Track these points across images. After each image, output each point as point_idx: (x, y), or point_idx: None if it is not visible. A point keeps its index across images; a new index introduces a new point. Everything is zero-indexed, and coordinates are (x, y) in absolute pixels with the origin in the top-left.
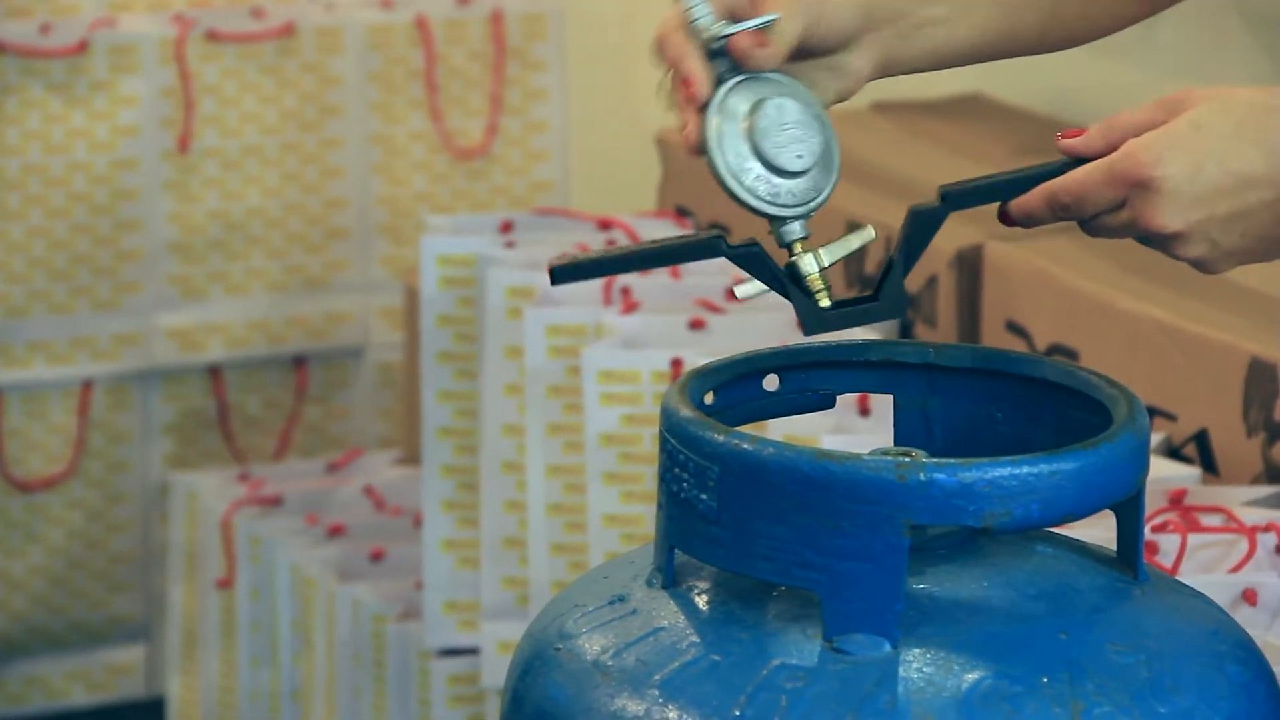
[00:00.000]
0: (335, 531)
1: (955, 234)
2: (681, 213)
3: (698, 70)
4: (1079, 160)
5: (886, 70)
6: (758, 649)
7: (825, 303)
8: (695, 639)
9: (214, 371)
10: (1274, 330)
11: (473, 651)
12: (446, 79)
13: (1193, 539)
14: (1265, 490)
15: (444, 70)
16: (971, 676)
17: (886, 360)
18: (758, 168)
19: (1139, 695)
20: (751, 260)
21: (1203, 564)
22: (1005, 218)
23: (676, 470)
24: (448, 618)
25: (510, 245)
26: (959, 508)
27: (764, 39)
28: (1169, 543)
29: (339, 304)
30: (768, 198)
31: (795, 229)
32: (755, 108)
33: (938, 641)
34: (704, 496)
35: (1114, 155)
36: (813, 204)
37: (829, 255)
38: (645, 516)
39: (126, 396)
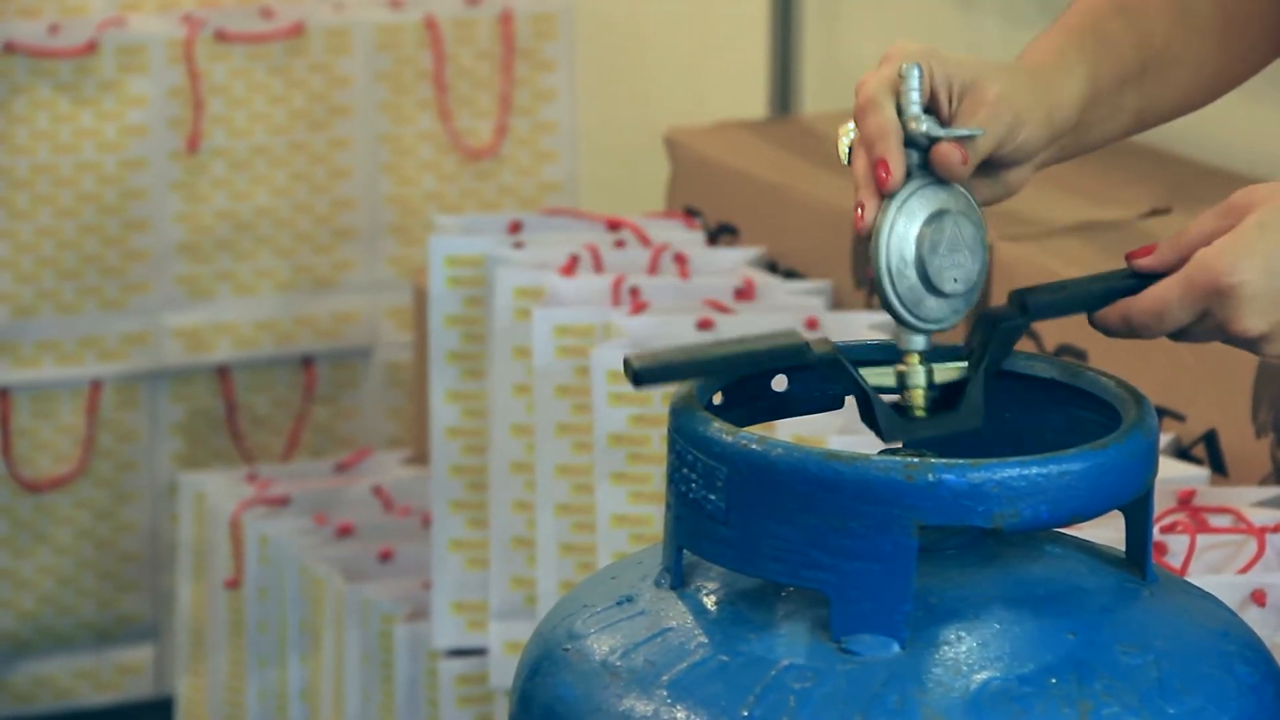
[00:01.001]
0: (344, 531)
1: None
2: (690, 213)
3: (898, 160)
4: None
5: (1043, 169)
6: (766, 649)
7: (918, 414)
8: (704, 639)
9: (222, 371)
10: None
11: (481, 652)
12: (455, 79)
13: (1201, 540)
14: (1274, 491)
15: (453, 70)
16: (980, 677)
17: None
18: (914, 277)
19: (1148, 696)
20: (833, 367)
21: (1211, 565)
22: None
23: (685, 471)
24: (456, 618)
25: (519, 245)
26: (968, 508)
27: (966, 154)
28: (1178, 543)
29: (347, 304)
30: (911, 307)
31: (919, 341)
32: (935, 219)
33: (946, 642)
34: (712, 497)
35: (1187, 268)
36: (946, 324)
37: (940, 375)
38: (654, 517)
39: (135, 396)
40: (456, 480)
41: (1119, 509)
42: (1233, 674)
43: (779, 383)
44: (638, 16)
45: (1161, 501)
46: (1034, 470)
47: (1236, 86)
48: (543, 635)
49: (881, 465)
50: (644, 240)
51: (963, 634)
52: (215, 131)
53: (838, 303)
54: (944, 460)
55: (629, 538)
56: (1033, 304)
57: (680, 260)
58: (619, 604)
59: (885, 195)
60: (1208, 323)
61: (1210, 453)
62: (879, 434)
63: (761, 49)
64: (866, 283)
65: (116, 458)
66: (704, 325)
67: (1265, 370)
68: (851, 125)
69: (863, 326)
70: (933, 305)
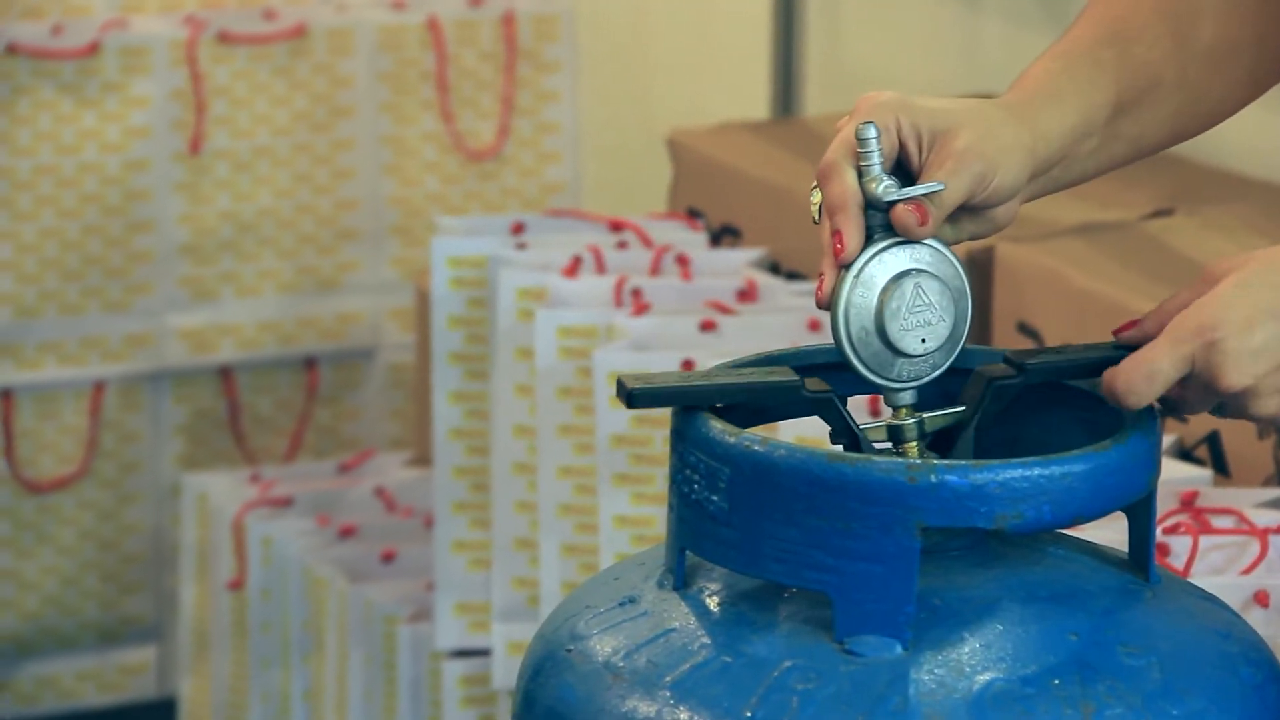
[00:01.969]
0: (346, 532)
1: None
2: (693, 214)
3: (853, 233)
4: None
5: (1028, 202)
6: (769, 650)
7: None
8: (706, 640)
9: (225, 372)
10: None
11: (484, 653)
12: (458, 80)
13: (1204, 541)
14: (1277, 492)
15: (455, 71)
16: (983, 678)
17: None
18: (877, 344)
19: (1150, 697)
20: (826, 408)
21: (1214, 566)
22: None
23: (688, 472)
24: (459, 619)
25: (522, 247)
26: (970, 509)
27: (925, 214)
28: (1180, 544)
29: (350, 305)
30: (880, 371)
31: (904, 397)
32: (894, 283)
33: (949, 643)
34: (715, 498)
35: (1171, 326)
36: (925, 379)
37: (932, 424)
38: (656, 518)
39: (138, 397)
40: (459, 481)
41: (1122, 510)
42: (1236, 675)
43: None
44: (640, 18)
45: (1164, 503)
46: (1036, 471)
47: (1235, 113)
48: (545, 636)
49: (884, 466)
50: (646, 241)
51: (965, 635)
52: (218, 133)
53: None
54: (946, 461)
55: (631, 539)
56: (1030, 366)
57: (682, 261)
58: (621, 605)
59: (841, 265)
60: (1196, 384)
61: (1213, 454)
62: None
63: (763, 50)
64: None
65: (119, 459)
66: (706, 326)
67: None
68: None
69: None
70: (905, 366)
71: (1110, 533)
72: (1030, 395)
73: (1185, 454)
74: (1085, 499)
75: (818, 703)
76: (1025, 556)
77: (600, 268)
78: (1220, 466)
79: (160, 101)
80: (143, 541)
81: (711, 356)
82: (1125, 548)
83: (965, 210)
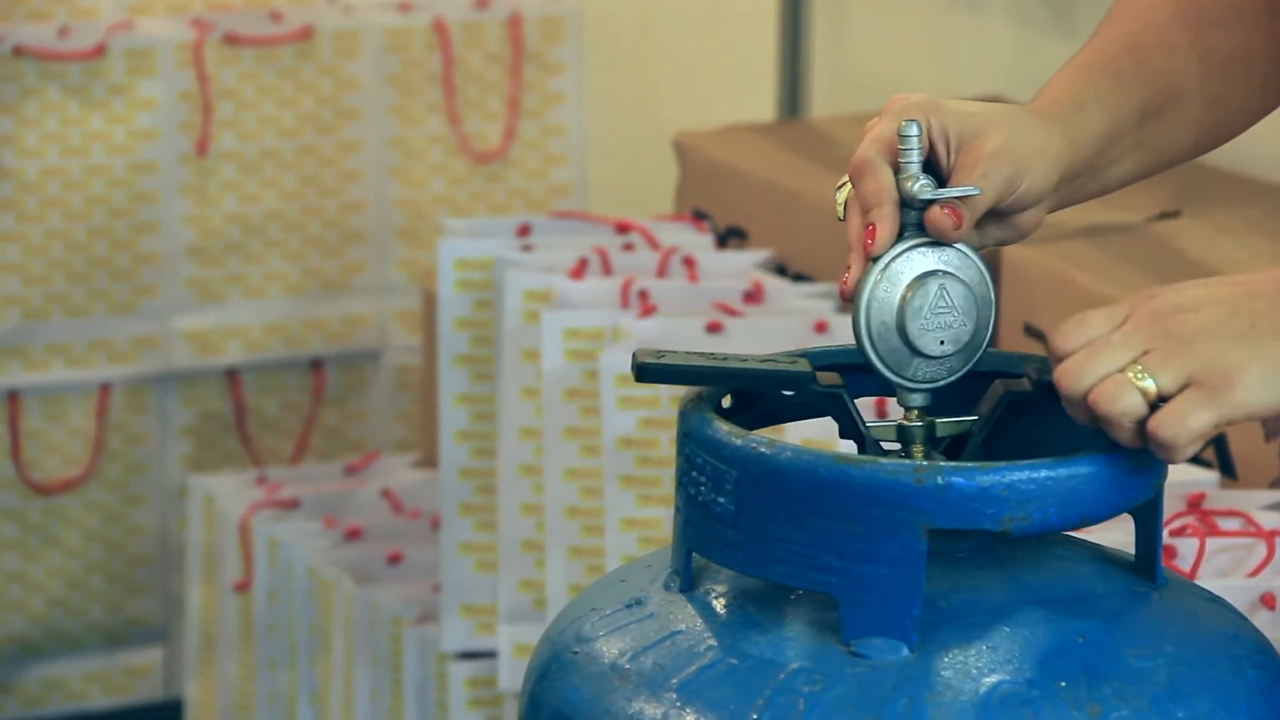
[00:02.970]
0: (353, 534)
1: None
2: (699, 216)
3: (888, 226)
4: None
5: (1054, 210)
6: (775, 653)
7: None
8: (713, 642)
9: (232, 374)
10: None
11: (490, 655)
12: (464, 82)
13: (1211, 543)
14: None
15: (462, 73)
16: (989, 680)
17: None
18: (896, 340)
19: (1157, 699)
20: (834, 403)
21: (1221, 568)
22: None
23: (694, 474)
24: (465, 621)
25: (528, 248)
26: (977, 511)
27: (960, 217)
28: (1187, 547)
29: (356, 307)
30: (896, 369)
31: (916, 399)
32: (919, 282)
33: (955, 645)
34: (721, 500)
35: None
36: (941, 383)
37: (943, 430)
38: (663, 520)
39: (144, 399)
40: (465, 483)
41: (1128, 512)
42: (1243, 677)
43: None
44: (646, 19)
45: (1171, 505)
46: (1043, 473)
47: (1256, 122)
48: (552, 638)
49: (890, 468)
50: (653, 243)
51: (972, 637)
52: (224, 135)
53: (847, 306)
54: (953, 464)
55: (638, 541)
56: (1048, 381)
57: (689, 263)
58: (628, 607)
59: (870, 258)
60: (1155, 362)
61: (1219, 456)
62: None
63: (770, 52)
64: None
65: (126, 460)
66: (713, 328)
67: None
68: (847, 179)
69: None
70: (921, 367)
71: (1117, 535)
72: (1039, 397)
73: (1192, 456)
74: (1092, 501)
75: (824, 705)
76: (1032, 559)
77: (606, 269)
78: (1227, 469)
79: (167, 103)
80: (149, 543)
81: None
82: (1132, 550)
83: (991, 215)
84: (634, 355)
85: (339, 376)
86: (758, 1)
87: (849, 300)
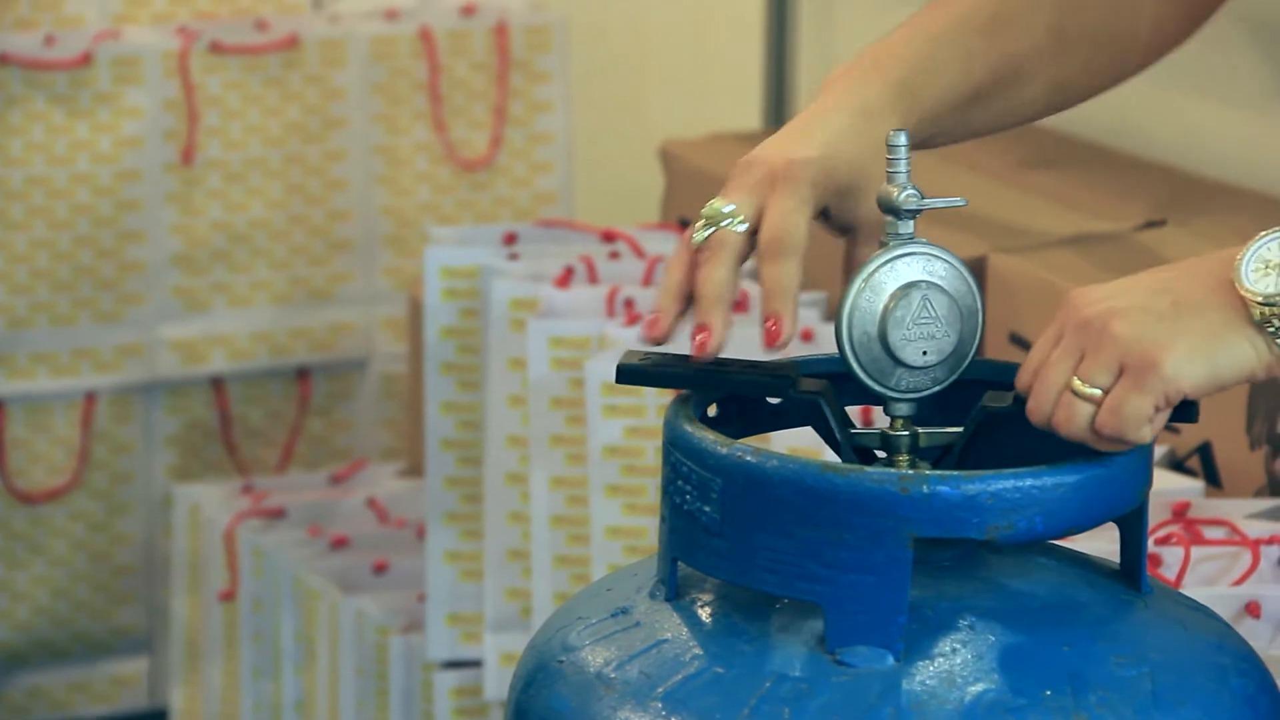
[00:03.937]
0: (338, 543)
1: (958, 245)
2: (685, 225)
3: (719, 335)
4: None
5: None
6: (761, 661)
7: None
8: (698, 651)
9: (217, 383)
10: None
11: (476, 664)
12: (450, 90)
13: (1196, 552)
14: (1268, 503)
15: (448, 82)
16: (975, 689)
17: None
18: (878, 350)
19: (1142, 708)
20: (811, 410)
21: (1206, 577)
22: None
23: (680, 483)
24: (451, 630)
25: (514, 257)
26: (962, 520)
27: (780, 329)
28: (1172, 555)
29: (342, 315)
30: (879, 378)
31: (901, 408)
32: (903, 292)
33: (941, 654)
34: (707, 509)
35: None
36: (924, 393)
37: (927, 439)
38: (648, 529)
39: (129, 408)
40: (451, 492)
41: (1113, 521)
42: (1227, 686)
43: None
44: (632, 28)
45: (1156, 513)
46: (1028, 482)
47: (1090, 99)
48: (537, 647)
49: (876, 477)
50: (639, 252)
51: (957, 646)
52: (210, 143)
53: (833, 314)
54: (938, 472)
55: (623, 550)
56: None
57: None
58: (614, 616)
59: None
60: (1088, 366)
61: (1205, 465)
62: None
63: (756, 60)
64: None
65: (111, 469)
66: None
67: (1259, 383)
68: (721, 207)
69: None
70: (904, 377)
71: (1102, 543)
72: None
73: (1177, 465)
74: (1077, 510)
75: (810, 713)
76: (1017, 567)
77: (593, 278)
78: (1212, 477)
79: (152, 112)
80: (134, 552)
81: None
82: (1117, 558)
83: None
84: (623, 357)
85: (325, 385)
86: (744, 10)
87: (656, 343)
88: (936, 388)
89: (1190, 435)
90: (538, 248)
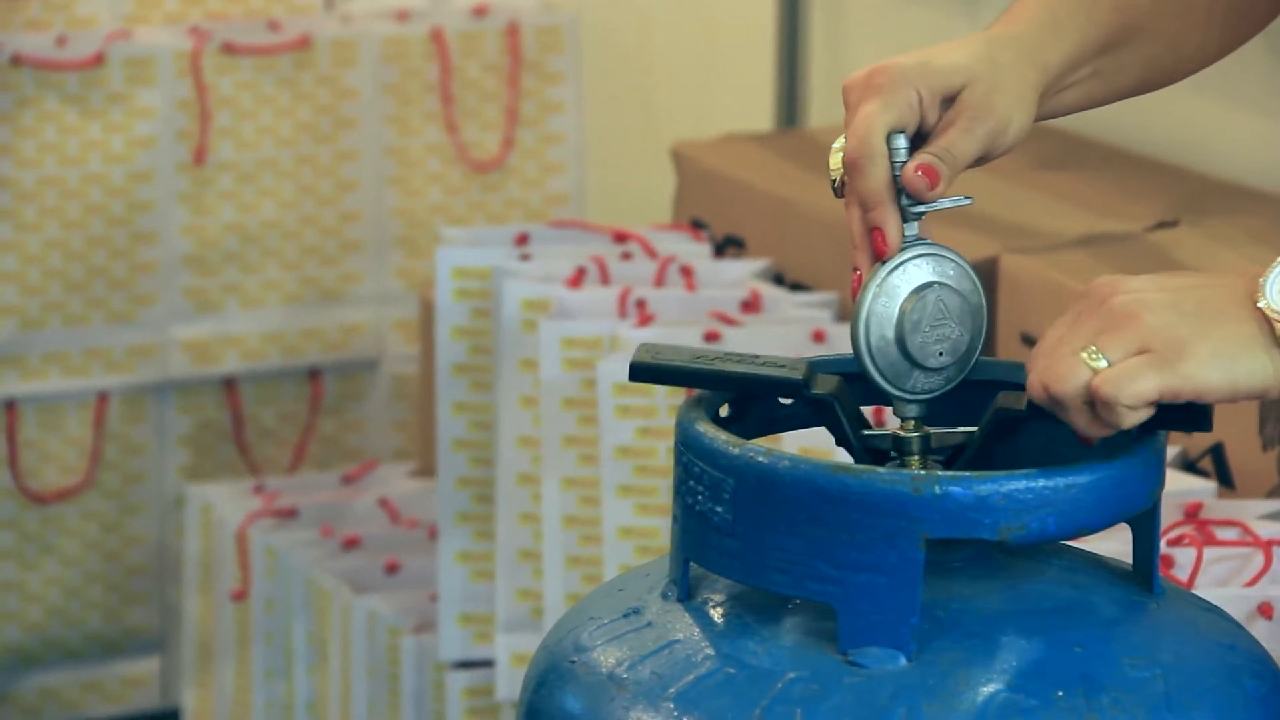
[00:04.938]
0: (350, 544)
1: (970, 246)
2: (697, 225)
3: (894, 230)
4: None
5: None
6: (773, 662)
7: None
8: (710, 652)
9: (229, 383)
10: None
11: (488, 664)
12: (462, 91)
13: (1208, 553)
14: None
15: (459, 82)
16: (987, 690)
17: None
18: (896, 354)
19: (1155, 709)
20: (824, 411)
21: (1218, 578)
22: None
23: (692, 483)
24: (463, 630)
25: (526, 258)
26: (974, 521)
27: (936, 177)
28: (1185, 556)
29: (354, 316)
30: (895, 381)
31: (913, 409)
32: (918, 294)
33: (953, 655)
34: (719, 509)
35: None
36: (937, 393)
37: (939, 440)
38: (660, 529)
39: (142, 408)
40: (463, 492)
41: (1126, 522)
42: (1240, 687)
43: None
44: (644, 29)
45: (1168, 515)
46: (1041, 483)
47: (1196, 72)
48: (549, 647)
49: (888, 478)
50: (651, 252)
51: (969, 647)
52: (222, 144)
53: (845, 314)
54: (950, 473)
55: (635, 550)
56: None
57: (687, 273)
58: (625, 616)
59: (882, 262)
60: (1105, 340)
61: (1217, 466)
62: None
63: (768, 61)
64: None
65: (123, 470)
66: (710, 338)
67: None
68: (842, 144)
69: None
70: (920, 379)
71: (1114, 544)
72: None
73: (1189, 466)
74: (1089, 511)
75: (821, 714)
76: (1029, 568)
77: (604, 279)
78: (1224, 478)
79: (165, 112)
80: (146, 553)
81: None
82: (1129, 559)
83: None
84: (636, 352)
85: (336, 386)
86: (755, 11)
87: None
88: (949, 386)
89: (1203, 436)
90: (549, 248)
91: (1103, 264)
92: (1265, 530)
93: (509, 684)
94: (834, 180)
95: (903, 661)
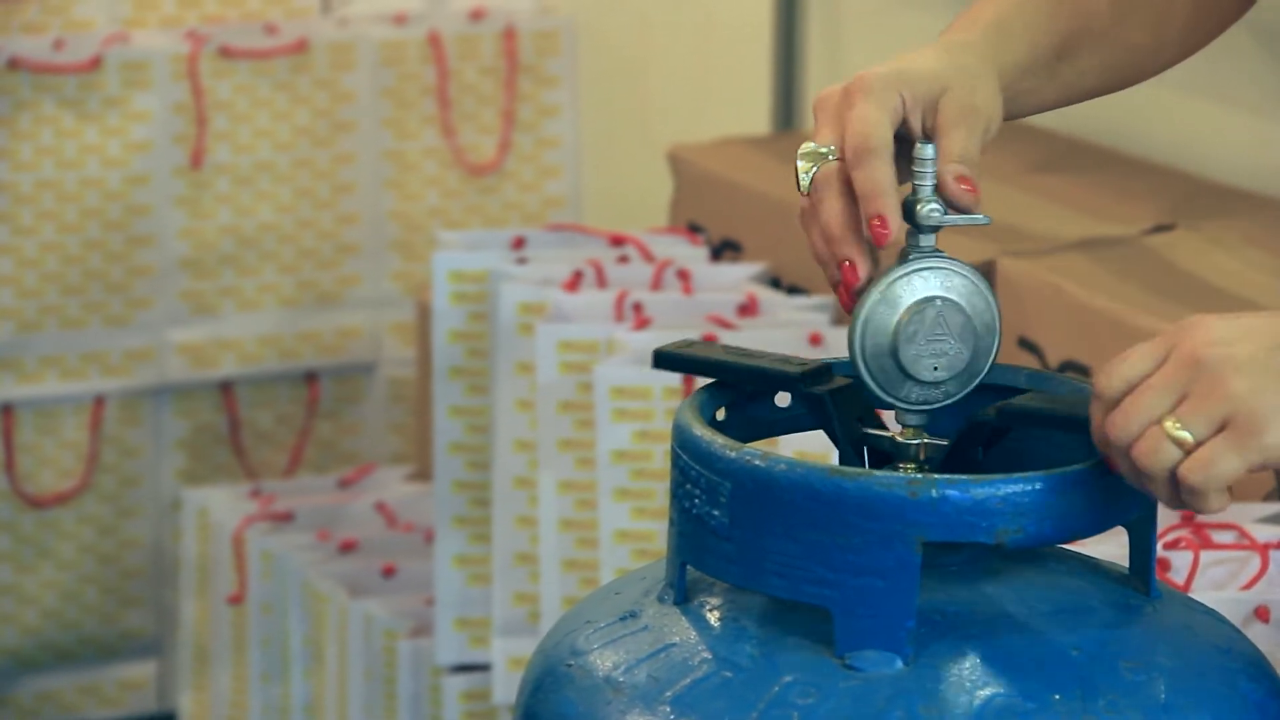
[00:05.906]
0: (347, 547)
1: (968, 250)
2: (693, 229)
3: (897, 216)
4: None
5: None
6: (769, 665)
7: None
8: (707, 655)
9: (226, 387)
10: None
11: (484, 668)
12: (459, 95)
13: (1205, 556)
14: (1278, 507)
15: (456, 86)
16: (984, 693)
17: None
18: (889, 364)
19: (1152, 713)
20: (822, 413)
21: (1215, 581)
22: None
23: (688, 486)
24: (459, 634)
25: (522, 261)
26: (971, 524)
27: (977, 188)
28: (1181, 559)
29: (351, 319)
30: (889, 389)
31: (911, 418)
32: (916, 307)
33: (950, 658)
34: (716, 513)
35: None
36: (934, 406)
37: (930, 450)
38: (657, 533)
39: (138, 412)
40: (459, 496)
41: (1123, 525)
42: (1237, 690)
43: (782, 399)
44: (641, 32)
45: (1165, 518)
46: (1038, 486)
47: (1157, 74)
48: (546, 651)
49: (885, 481)
50: (647, 256)
51: (966, 650)
52: (219, 147)
53: (841, 318)
54: (947, 476)
55: (632, 553)
56: (1007, 411)
57: (683, 276)
58: (622, 620)
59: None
60: (1190, 410)
61: None
62: None
63: (764, 64)
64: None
65: (120, 473)
66: (707, 341)
67: None
68: (816, 147)
69: None
70: (913, 390)
71: (1111, 548)
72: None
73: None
74: (1086, 514)
75: (818, 718)
76: (1026, 571)
77: (601, 282)
78: None
79: (161, 116)
80: (143, 556)
81: None
82: (1126, 563)
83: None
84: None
85: (333, 389)
86: (752, 14)
87: (856, 296)
88: (948, 400)
89: None
90: (546, 252)
91: (1100, 267)
92: (1262, 534)
93: (506, 688)
94: (802, 183)
95: (899, 665)
